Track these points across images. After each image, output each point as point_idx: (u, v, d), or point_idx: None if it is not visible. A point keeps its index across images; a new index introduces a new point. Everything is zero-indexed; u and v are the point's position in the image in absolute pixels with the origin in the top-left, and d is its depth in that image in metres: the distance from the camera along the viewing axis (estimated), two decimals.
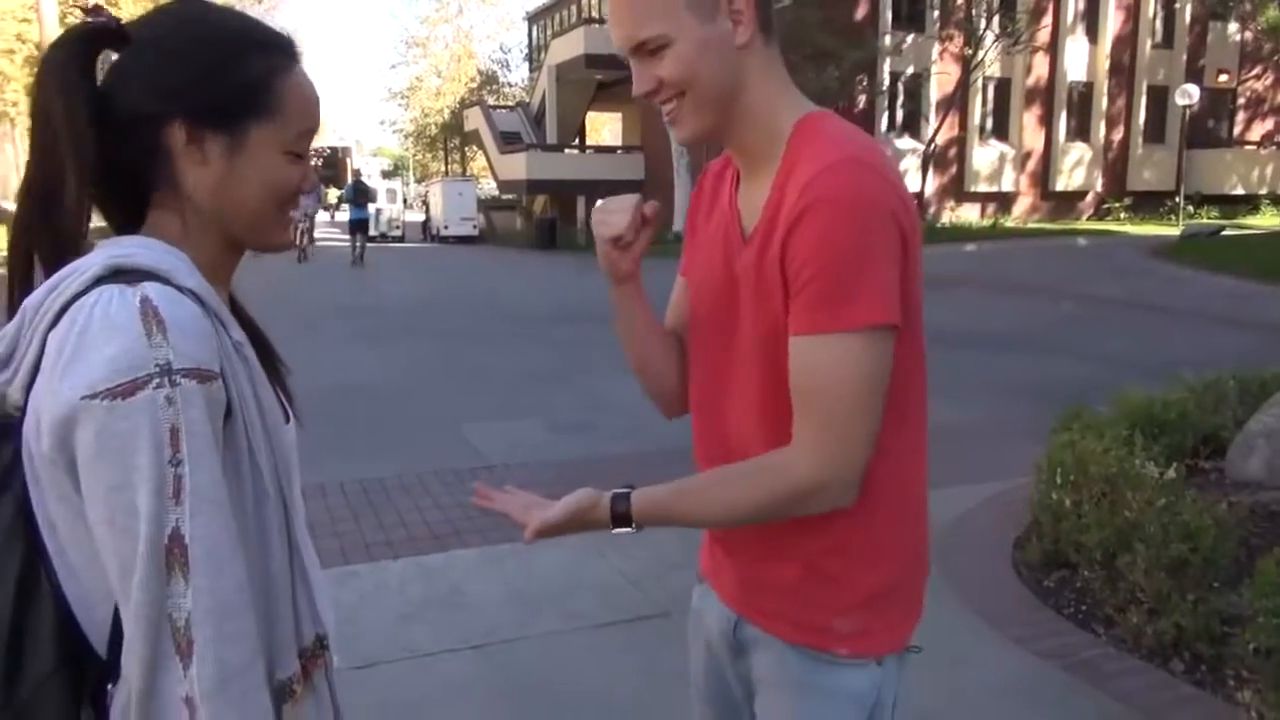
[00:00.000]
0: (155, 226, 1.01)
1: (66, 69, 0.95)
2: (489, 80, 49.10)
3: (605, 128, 44.76)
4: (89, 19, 0.98)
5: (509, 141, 32.31)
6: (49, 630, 0.91)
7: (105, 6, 1.01)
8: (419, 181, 55.19)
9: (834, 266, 1.08)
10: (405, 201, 38.24)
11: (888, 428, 1.14)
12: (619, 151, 32.90)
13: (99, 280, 0.90)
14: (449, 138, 47.47)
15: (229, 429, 0.93)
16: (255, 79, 0.99)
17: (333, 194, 39.53)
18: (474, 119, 36.62)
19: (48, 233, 0.96)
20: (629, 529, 1.24)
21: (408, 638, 3.32)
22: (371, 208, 24.61)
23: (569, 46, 29.57)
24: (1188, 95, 24.02)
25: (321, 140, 57.81)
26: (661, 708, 2.89)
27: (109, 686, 0.93)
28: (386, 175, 55.04)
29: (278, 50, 1.02)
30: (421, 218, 34.18)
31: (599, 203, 1.28)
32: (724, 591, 1.38)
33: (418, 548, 4.19)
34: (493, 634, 3.35)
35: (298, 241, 14.60)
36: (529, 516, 1.29)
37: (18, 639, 0.90)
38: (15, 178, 34.26)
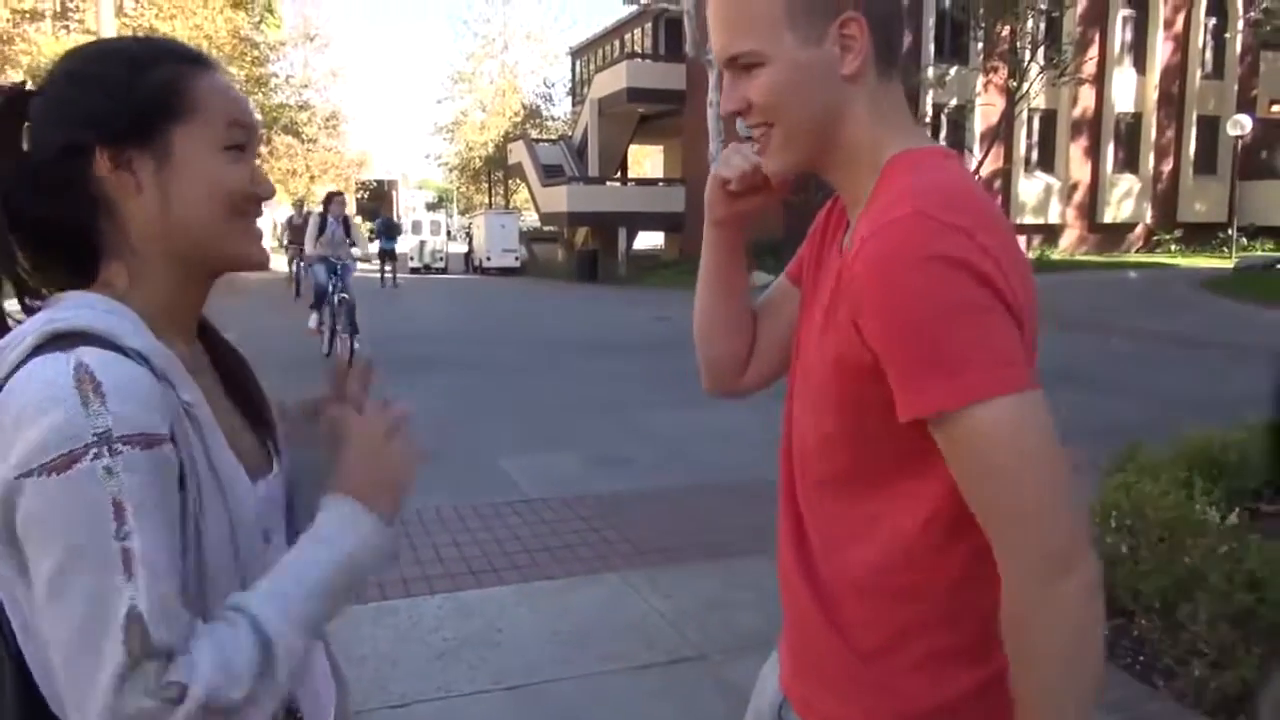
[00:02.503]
0: (103, 281, 0.96)
1: None
2: (532, 114, 49.75)
3: (647, 160, 45.06)
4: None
5: (551, 174, 32.61)
6: (11, 702, 0.87)
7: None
8: (462, 214, 55.90)
9: (911, 344, 0.93)
10: (449, 233, 38.74)
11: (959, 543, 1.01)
12: (660, 184, 33.04)
13: (37, 349, 0.85)
14: (492, 171, 48.07)
15: (182, 496, 0.88)
16: (163, 84, 0.94)
17: (365, 226, 41.61)
18: (517, 152, 37.06)
19: None
20: None
21: (443, 677, 3.27)
22: (410, 239, 30.87)
23: (612, 80, 29.85)
24: (1240, 126, 23.60)
25: (368, 174, 58.91)
26: None
27: None
28: (431, 208, 55.74)
29: (183, 59, 0.97)
30: (465, 249, 34.58)
31: (732, 145, 1.21)
32: (782, 668, 1.26)
33: (455, 583, 4.15)
34: (529, 674, 3.29)
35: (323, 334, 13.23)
36: None
37: None
38: None
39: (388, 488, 0.99)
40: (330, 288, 10.73)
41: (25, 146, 0.95)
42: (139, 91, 0.94)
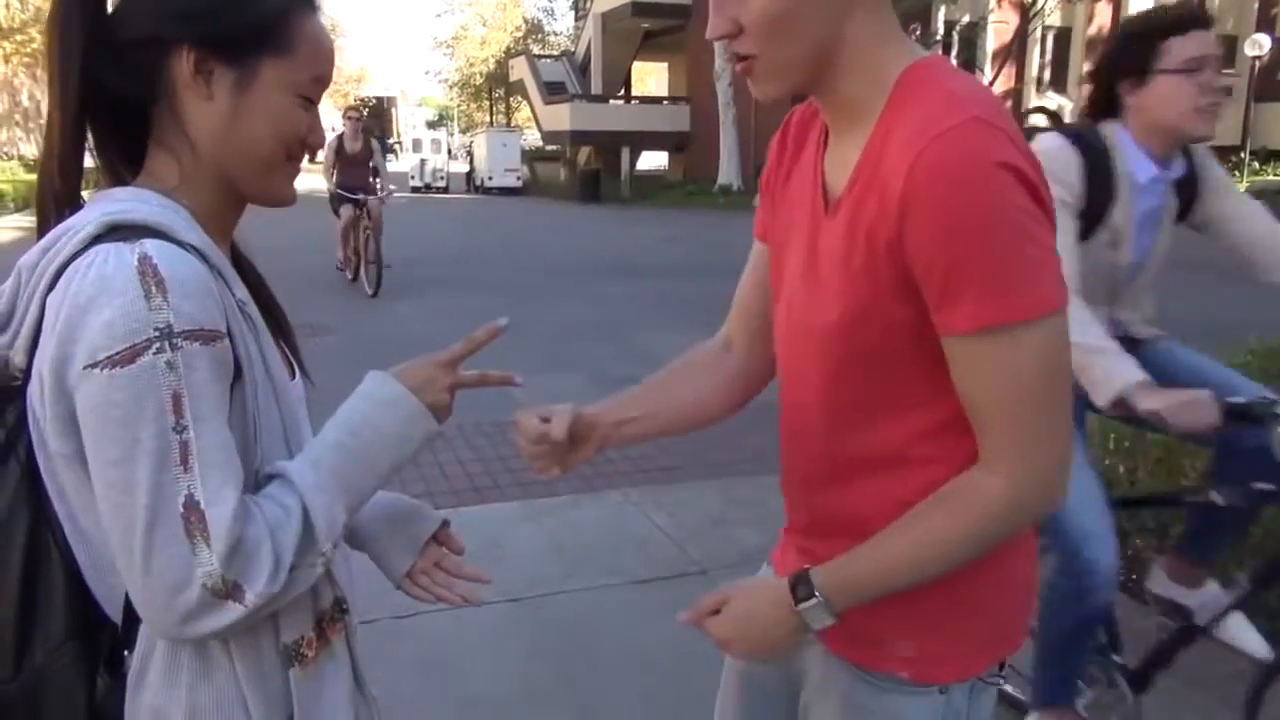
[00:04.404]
0: (152, 174, 0.96)
1: (62, 4, 0.91)
2: (534, 29, 48.70)
3: (651, 78, 44.22)
4: None
5: (553, 92, 32.03)
6: (60, 597, 0.89)
7: None
8: (464, 132, 55.11)
9: (977, 253, 0.90)
10: (449, 152, 38.22)
11: (961, 434, 1.01)
12: (664, 102, 32.48)
13: (96, 239, 0.86)
14: (494, 88, 47.29)
15: (237, 391, 0.90)
16: (272, 12, 0.94)
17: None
18: (519, 69, 36.35)
19: (45, 182, 0.94)
20: (829, 620, 1.04)
21: None
22: (411, 158, 32.26)
23: None
24: (1257, 45, 23.03)
25: (367, 90, 57.90)
26: (699, 667, 2.89)
27: (125, 653, 0.91)
28: (431, 125, 55.04)
29: None
30: (466, 168, 34.16)
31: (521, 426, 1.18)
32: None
33: (459, 499, 4.22)
34: (531, 588, 3.36)
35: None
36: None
37: (29, 607, 0.89)
38: None
39: (429, 386, 1.04)
40: None
41: (112, 11, 0.93)
42: (249, 13, 0.93)
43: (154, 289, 0.82)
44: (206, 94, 0.93)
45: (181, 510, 0.82)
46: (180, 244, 0.87)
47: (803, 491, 1.18)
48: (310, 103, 0.99)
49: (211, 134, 0.94)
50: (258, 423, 0.92)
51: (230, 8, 0.93)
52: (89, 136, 0.95)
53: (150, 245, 0.85)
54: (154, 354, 0.82)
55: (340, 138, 9.68)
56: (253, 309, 0.96)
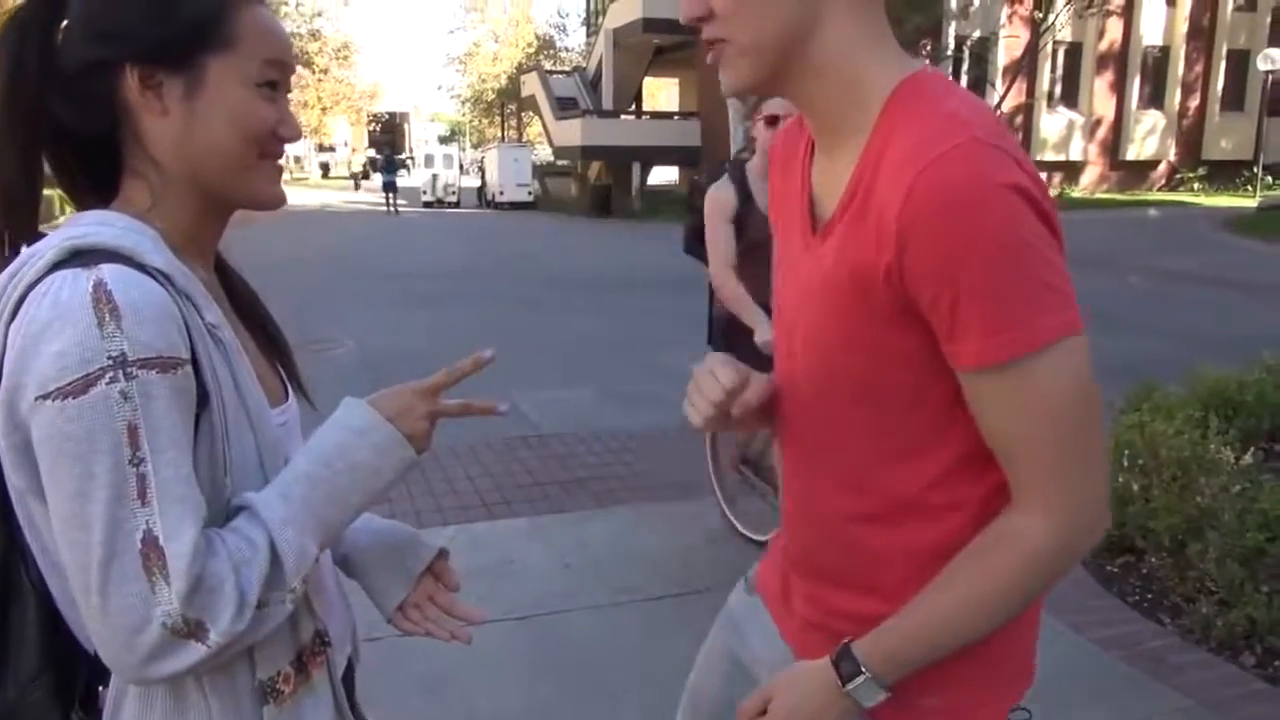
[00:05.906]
0: (124, 199, 0.94)
1: (6, 40, 0.90)
2: (546, 45, 48.94)
3: (662, 93, 44.33)
4: None
5: (565, 107, 32.13)
6: (34, 631, 0.87)
7: None
8: (475, 147, 55.34)
9: (984, 282, 0.85)
10: (461, 167, 38.41)
11: (977, 476, 0.96)
12: (675, 118, 32.57)
13: (56, 265, 0.83)
14: (505, 103, 47.45)
15: (204, 418, 0.86)
16: (206, 12, 0.91)
17: (356, 161, 43.17)
18: (530, 84, 36.50)
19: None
20: (883, 694, 0.98)
21: None
22: (422, 173, 33.53)
23: (627, 10, 29.19)
24: (1270, 60, 22.96)
25: (380, 106, 58.21)
26: None
27: (100, 689, 0.89)
28: (443, 140, 55.33)
29: None
30: (477, 183, 34.29)
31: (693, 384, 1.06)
32: (787, 626, 1.18)
33: (468, 515, 4.20)
34: (539, 605, 3.34)
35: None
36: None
37: (1, 640, 0.87)
38: None
39: (407, 415, 0.99)
40: None
41: (58, 46, 0.91)
42: (181, 16, 0.91)
43: (108, 316, 0.79)
44: (161, 109, 0.91)
45: (140, 546, 0.79)
46: (144, 267, 0.85)
47: (809, 534, 1.12)
48: (274, 90, 0.95)
49: (174, 147, 0.92)
50: (228, 452, 0.89)
51: (161, 14, 0.90)
52: (46, 171, 0.93)
53: (107, 270, 0.82)
54: (107, 384, 0.78)
55: (739, 177, 3.52)
56: (225, 332, 0.92)
